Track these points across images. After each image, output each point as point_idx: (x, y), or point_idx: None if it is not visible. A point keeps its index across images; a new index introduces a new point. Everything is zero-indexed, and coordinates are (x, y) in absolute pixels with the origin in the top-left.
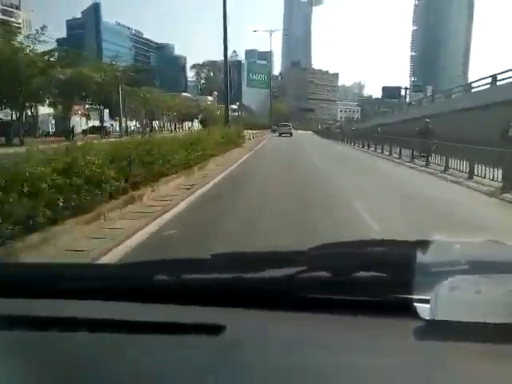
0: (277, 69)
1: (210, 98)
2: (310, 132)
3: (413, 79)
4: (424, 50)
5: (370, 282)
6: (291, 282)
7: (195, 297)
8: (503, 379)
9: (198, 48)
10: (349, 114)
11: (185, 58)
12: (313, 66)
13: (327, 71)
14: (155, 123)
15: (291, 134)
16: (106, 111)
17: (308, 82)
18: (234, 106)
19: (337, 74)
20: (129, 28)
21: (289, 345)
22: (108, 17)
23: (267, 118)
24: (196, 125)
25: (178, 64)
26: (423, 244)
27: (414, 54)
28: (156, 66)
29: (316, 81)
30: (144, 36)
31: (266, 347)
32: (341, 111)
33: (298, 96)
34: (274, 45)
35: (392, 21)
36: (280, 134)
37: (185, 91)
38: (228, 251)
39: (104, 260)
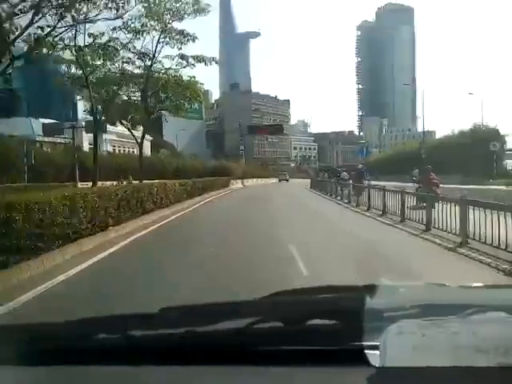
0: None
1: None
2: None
3: (361, 113)
4: (371, 83)
5: (322, 331)
6: (243, 336)
7: (144, 356)
8: None
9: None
10: (304, 152)
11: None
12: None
13: (276, 96)
14: None
15: (287, 180)
16: None
17: (252, 110)
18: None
19: (288, 102)
20: None
21: None
22: None
23: (201, 157)
24: None
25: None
26: (371, 289)
27: (360, 86)
28: (22, 85)
29: (263, 108)
30: None
31: None
32: (295, 148)
33: (237, 129)
34: (210, 83)
35: (335, 56)
36: (280, 180)
37: (73, 126)
38: (176, 305)
39: None
